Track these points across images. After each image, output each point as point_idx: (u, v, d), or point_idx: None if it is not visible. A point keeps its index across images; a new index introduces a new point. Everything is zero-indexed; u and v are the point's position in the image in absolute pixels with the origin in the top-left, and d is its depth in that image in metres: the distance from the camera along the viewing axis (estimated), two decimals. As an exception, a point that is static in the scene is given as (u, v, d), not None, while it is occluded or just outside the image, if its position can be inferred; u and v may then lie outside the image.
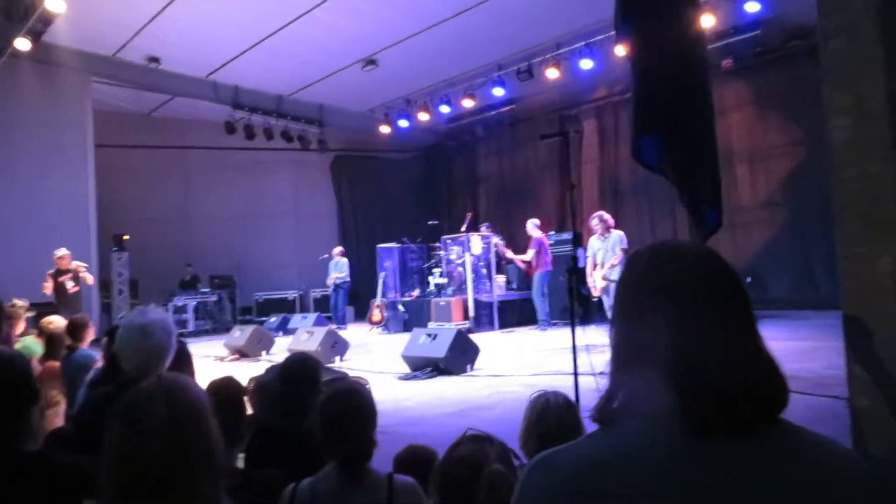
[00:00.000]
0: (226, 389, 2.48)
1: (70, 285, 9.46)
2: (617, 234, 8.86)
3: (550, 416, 2.29)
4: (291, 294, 16.55)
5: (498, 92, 13.49)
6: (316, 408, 2.93)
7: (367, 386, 3.78)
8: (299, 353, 3.67)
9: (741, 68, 11.62)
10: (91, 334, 5.14)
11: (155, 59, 13.12)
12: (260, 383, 3.26)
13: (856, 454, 0.89)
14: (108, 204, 13.51)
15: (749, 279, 10.06)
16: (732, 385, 0.85)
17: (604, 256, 8.78)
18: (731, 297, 0.92)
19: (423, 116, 14.97)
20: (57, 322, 5.01)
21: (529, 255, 11.25)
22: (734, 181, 11.67)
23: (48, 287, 9.43)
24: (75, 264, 9.65)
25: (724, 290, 0.92)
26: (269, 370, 3.87)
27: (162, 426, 1.25)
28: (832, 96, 2.88)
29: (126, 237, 13.91)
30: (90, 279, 9.85)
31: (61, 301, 9.27)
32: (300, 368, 3.02)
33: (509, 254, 12.02)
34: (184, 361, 3.78)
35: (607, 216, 9.02)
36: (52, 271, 9.53)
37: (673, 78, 3.44)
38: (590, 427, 2.38)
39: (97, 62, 12.66)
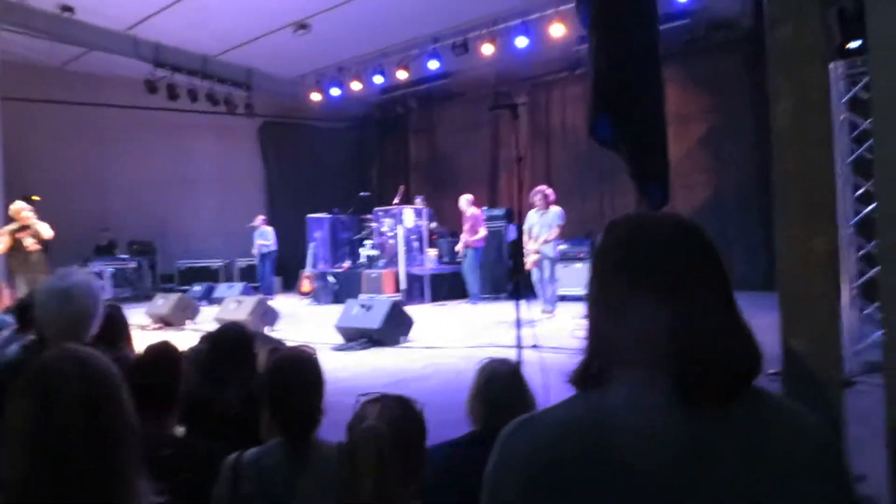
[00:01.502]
0: (163, 354, 2.39)
1: (29, 242, 8.44)
2: (555, 210, 9.01)
3: (498, 382, 2.31)
4: (216, 262, 16.03)
5: (433, 65, 13.36)
6: (249, 378, 2.86)
7: (314, 353, 3.74)
8: (231, 321, 3.57)
9: (668, 55, 11.97)
10: (5, 299, 4.84)
11: (69, 9, 12.24)
12: (191, 352, 3.16)
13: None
14: (17, 162, 12.62)
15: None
16: (716, 356, 0.88)
17: (539, 231, 8.93)
18: (713, 272, 0.94)
19: (356, 86, 14.69)
20: None
21: (482, 233, 11.16)
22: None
23: (3, 245, 8.48)
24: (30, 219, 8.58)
25: (706, 265, 0.94)
26: (202, 339, 3.76)
27: (76, 399, 1.14)
28: (777, 81, 2.98)
29: (37, 198, 13.05)
30: (48, 233, 8.69)
31: (18, 261, 8.38)
32: (232, 337, 2.94)
33: (465, 239, 11.27)
34: (119, 327, 3.63)
35: (549, 191, 9.14)
36: (11, 227, 8.51)
37: (631, 54, 3.51)
38: (537, 394, 2.42)
39: (3, 8, 11.73)
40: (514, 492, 0.87)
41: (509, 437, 0.92)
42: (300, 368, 2.09)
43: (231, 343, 2.91)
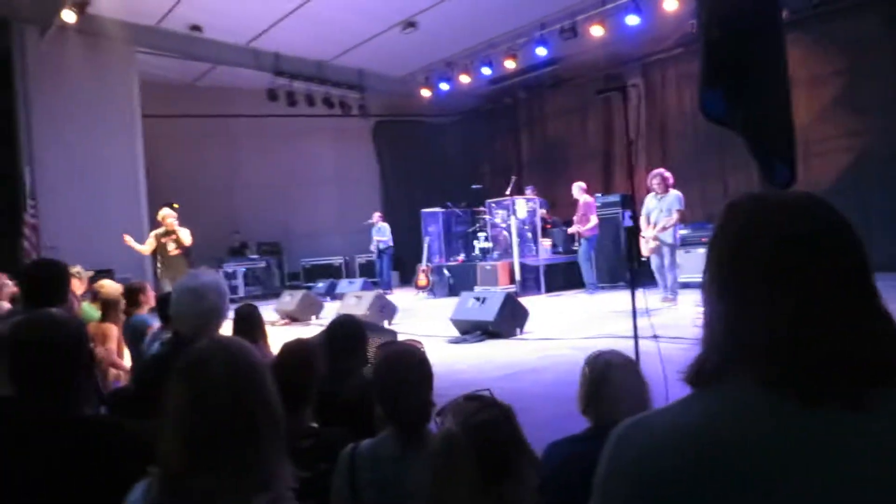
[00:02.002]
0: (297, 351, 2.50)
1: (172, 247, 8.95)
2: (674, 195, 8.57)
3: (614, 376, 2.23)
4: (337, 260, 16.72)
5: (541, 52, 13.16)
6: (360, 369, 2.93)
7: (422, 348, 3.79)
8: (343, 314, 3.69)
9: (797, 21, 11.08)
10: (150, 300, 5.25)
11: (197, 28, 13.17)
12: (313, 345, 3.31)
13: None
14: (157, 173, 13.76)
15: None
16: (846, 352, 0.79)
17: (657, 216, 8.55)
18: (847, 258, 0.84)
19: (465, 79, 14.77)
20: (109, 286, 5.13)
21: (593, 221, 10.92)
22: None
23: (147, 248, 9.11)
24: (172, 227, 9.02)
25: (838, 251, 0.84)
26: (319, 335, 3.92)
27: (223, 385, 1.22)
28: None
29: (176, 206, 14.16)
30: (188, 240, 9.06)
31: (163, 265, 8.95)
32: (343, 332, 3.03)
33: (576, 228, 11.25)
34: (256, 324, 3.86)
35: (668, 174, 8.67)
36: (158, 231, 9.06)
37: (747, 24, 3.28)
38: (655, 389, 2.31)
39: (141, 32, 12.77)
40: (626, 494, 0.83)
41: (620, 441, 0.87)
42: (407, 365, 2.11)
43: (343, 337, 3.01)
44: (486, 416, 1.62)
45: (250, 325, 3.79)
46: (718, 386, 0.84)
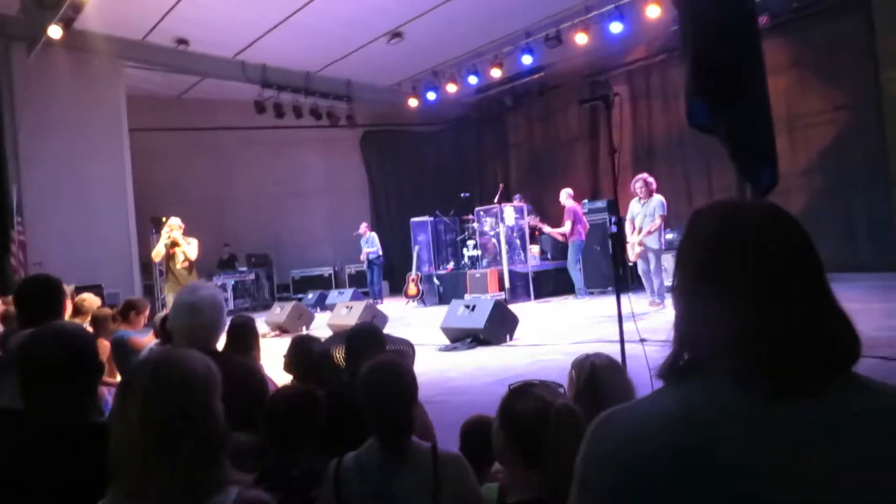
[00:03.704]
0: (303, 397, 2.47)
1: (180, 259, 8.84)
2: (657, 199, 8.68)
3: (600, 377, 2.28)
4: (327, 270, 16.73)
5: (526, 60, 13.27)
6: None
7: (412, 354, 3.82)
8: (362, 322, 3.72)
9: (777, 25, 11.22)
10: (141, 320, 5.24)
11: (183, 41, 13.20)
12: (328, 350, 3.34)
13: None
14: (145, 187, 13.74)
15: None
16: (807, 347, 0.86)
17: (642, 221, 8.65)
18: (803, 263, 0.91)
19: (451, 88, 14.85)
20: (90, 300, 5.12)
21: (567, 226, 11.12)
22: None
23: (159, 254, 8.94)
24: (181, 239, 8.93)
25: (796, 257, 0.90)
26: (329, 339, 3.95)
27: (141, 397, 1.26)
28: (886, 45, 2.76)
29: (164, 219, 14.14)
30: (193, 254, 8.94)
31: (169, 279, 8.83)
32: (361, 336, 3.08)
33: (546, 228, 11.86)
34: (249, 337, 3.86)
35: (651, 179, 8.80)
36: (165, 241, 8.92)
37: (726, 34, 3.36)
38: (642, 391, 2.37)
39: (127, 46, 12.78)
40: (602, 485, 0.88)
41: (596, 431, 0.92)
42: (390, 373, 2.14)
43: (362, 343, 3.03)
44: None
45: (243, 335, 3.80)
46: (691, 380, 0.90)
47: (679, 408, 0.88)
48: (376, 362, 2.21)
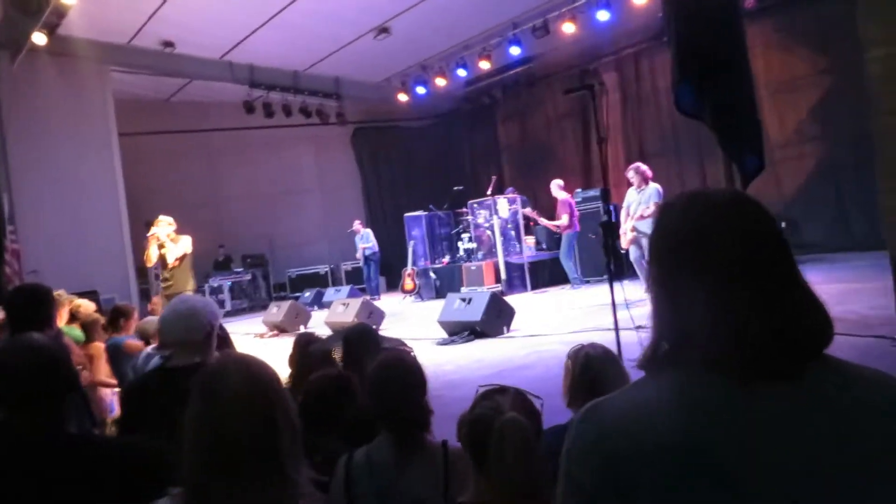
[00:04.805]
0: (335, 384, 2.49)
1: (171, 260, 8.44)
2: (653, 187, 8.62)
3: (595, 367, 2.30)
4: (323, 268, 16.71)
5: (515, 51, 13.23)
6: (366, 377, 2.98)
7: (412, 352, 3.84)
8: (358, 323, 3.74)
9: (764, 7, 11.23)
10: (131, 326, 5.23)
11: (169, 44, 13.11)
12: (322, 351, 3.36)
13: None
14: (138, 192, 13.68)
15: (783, 224, 9.86)
16: (777, 335, 0.87)
17: (636, 209, 8.65)
18: (772, 249, 0.92)
19: (441, 82, 14.81)
20: (85, 306, 5.12)
21: (564, 219, 11.10)
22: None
23: (150, 259, 8.57)
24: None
25: (764, 244, 0.92)
26: (330, 338, 3.96)
27: (242, 400, 1.23)
28: (867, 28, 2.78)
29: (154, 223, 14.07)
30: (171, 258, 8.53)
31: (165, 277, 8.51)
32: (358, 336, 3.09)
33: (543, 220, 11.86)
34: (223, 344, 3.87)
35: (644, 168, 8.74)
36: (160, 242, 8.50)
37: (708, 20, 3.37)
38: (634, 375, 2.39)
39: (113, 51, 12.69)
40: (587, 474, 0.89)
41: (581, 422, 0.94)
42: (398, 369, 2.14)
43: (359, 343, 3.05)
44: (528, 402, 1.80)
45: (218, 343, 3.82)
46: (669, 370, 0.92)
47: (657, 397, 0.90)
48: (385, 359, 2.21)
